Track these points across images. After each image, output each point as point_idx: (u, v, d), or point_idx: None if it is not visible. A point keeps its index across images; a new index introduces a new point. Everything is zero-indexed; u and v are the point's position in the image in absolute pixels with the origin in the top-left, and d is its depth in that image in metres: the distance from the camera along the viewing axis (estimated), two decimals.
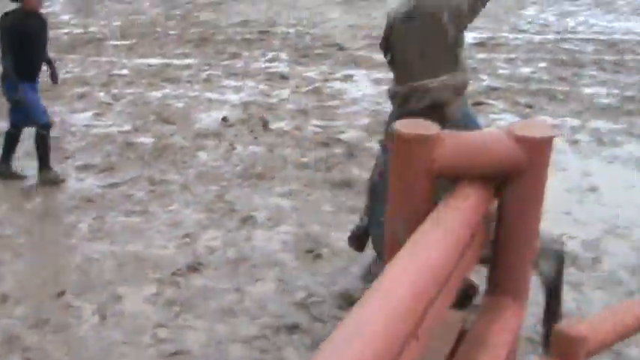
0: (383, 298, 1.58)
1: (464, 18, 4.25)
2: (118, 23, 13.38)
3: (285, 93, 9.28)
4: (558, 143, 6.98)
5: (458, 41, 4.28)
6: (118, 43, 11.91)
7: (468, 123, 4.32)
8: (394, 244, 2.09)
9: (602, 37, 13.92)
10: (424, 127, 2.30)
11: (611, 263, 5.31)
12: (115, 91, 9.26)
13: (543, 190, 2.47)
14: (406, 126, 2.29)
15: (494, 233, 2.51)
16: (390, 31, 4.48)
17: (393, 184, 2.36)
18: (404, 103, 4.31)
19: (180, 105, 8.76)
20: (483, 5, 4.34)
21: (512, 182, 2.40)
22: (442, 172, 2.30)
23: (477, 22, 14.32)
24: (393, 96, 4.49)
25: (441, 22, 4.19)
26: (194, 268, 5.11)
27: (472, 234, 2.20)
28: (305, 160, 7.07)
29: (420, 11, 4.27)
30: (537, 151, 2.36)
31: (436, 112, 4.02)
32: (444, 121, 3.61)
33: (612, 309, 3.76)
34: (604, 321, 2.53)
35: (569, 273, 5.12)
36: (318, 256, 5.26)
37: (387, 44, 4.55)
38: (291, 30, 13.03)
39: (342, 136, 7.74)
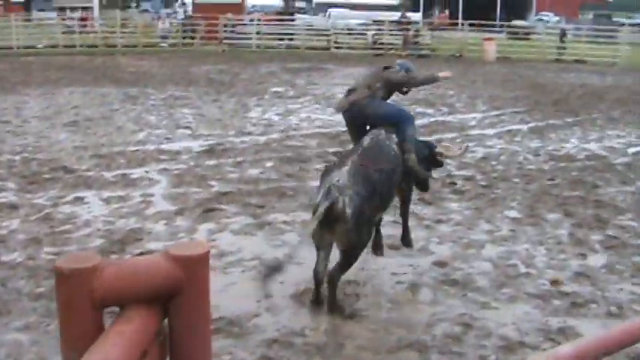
0: None
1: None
2: None
3: (15, 223, 9.04)
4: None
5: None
6: None
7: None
8: None
9: (324, 131, 14.89)
10: (83, 259, 2.45)
11: (353, 347, 5.75)
12: None
13: (207, 302, 2.70)
14: (66, 261, 2.44)
15: (169, 348, 2.68)
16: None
17: (61, 316, 2.48)
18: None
19: None
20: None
21: (175, 300, 2.60)
22: (106, 301, 2.45)
23: (203, 130, 14.74)
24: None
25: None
26: None
27: (142, 353, 2.35)
28: (41, 290, 6.95)
29: None
30: (194, 268, 2.60)
31: None
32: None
33: None
34: None
35: None
36: None
37: None
38: (17, 157, 12.71)
39: None
